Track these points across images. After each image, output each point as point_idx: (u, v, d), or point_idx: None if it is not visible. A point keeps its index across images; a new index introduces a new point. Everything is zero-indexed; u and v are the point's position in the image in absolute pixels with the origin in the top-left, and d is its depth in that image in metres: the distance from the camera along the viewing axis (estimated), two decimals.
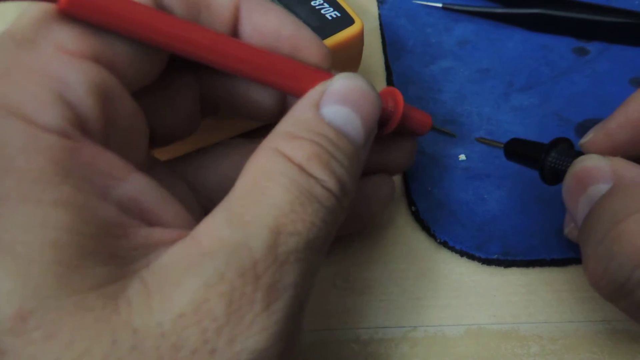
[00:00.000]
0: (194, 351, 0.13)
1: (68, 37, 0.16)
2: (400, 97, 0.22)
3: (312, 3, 0.28)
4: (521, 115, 0.30)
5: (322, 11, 0.28)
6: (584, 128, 0.29)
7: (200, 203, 0.21)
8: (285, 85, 0.19)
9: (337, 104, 0.18)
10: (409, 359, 0.23)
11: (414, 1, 0.36)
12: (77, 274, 0.13)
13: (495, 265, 0.25)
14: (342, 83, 0.18)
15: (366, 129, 0.18)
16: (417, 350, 0.23)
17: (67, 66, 0.15)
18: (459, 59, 0.33)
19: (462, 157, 0.28)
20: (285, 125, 0.17)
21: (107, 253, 0.14)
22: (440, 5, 0.35)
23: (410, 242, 0.26)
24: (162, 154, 0.23)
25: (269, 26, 0.19)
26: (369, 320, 0.24)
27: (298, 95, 0.19)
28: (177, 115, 0.20)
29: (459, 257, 0.25)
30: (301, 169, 0.16)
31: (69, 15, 0.16)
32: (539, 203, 0.26)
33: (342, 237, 0.25)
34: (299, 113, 0.17)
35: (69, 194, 0.14)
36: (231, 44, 0.18)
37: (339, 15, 0.28)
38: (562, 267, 0.25)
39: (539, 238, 0.25)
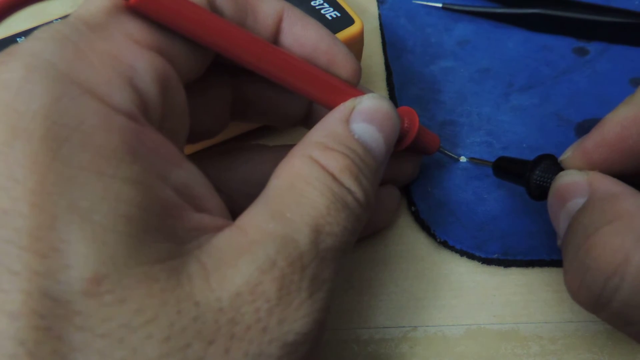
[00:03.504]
0: (249, 327, 0.14)
1: (136, 28, 0.16)
2: (416, 118, 0.23)
3: (312, 3, 0.28)
4: (521, 115, 0.30)
5: (322, 11, 0.28)
6: (584, 128, 0.29)
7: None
8: (319, 97, 0.20)
9: (365, 122, 0.19)
10: (409, 359, 0.23)
11: (414, 1, 0.36)
12: (144, 247, 0.14)
13: (495, 265, 0.25)
14: (370, 103, 0.20)
15: (387, 148, 0.20)
16: (417, 350, 0.23)
17: (136, 54, 0.16)
18: (459, 59, 0.33)
19: (462, 158, 0.28)
20: (318, 135, 0.19)
21: (168, 231, 0.15)
22: (440, 5, 0.35)
23: (410, 242, 0.26)
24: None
25: (308, 38, 0.20)
26: (369, 320, 0.24)
27: (328, 107, 0.20)
28: (211, 114, 0.22)
29: (459, 257, 0.25)
30: (334, 178, 0.17)
31: (134, 11, 0.17)
32: (538, 203, 0.26)
33: None
34: (331, 126, 0.19)
35: (138, 173, 0.15)
36: (276, 51, 0.19)
37: (339, 15, 0.28)
38: (561, 267, 0.25)
39: (538, 238, 0.25)
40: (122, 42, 0.16)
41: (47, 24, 0.16)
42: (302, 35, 0.20)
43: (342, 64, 0.21)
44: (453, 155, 0.28)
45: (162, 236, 0.15)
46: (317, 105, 0.23)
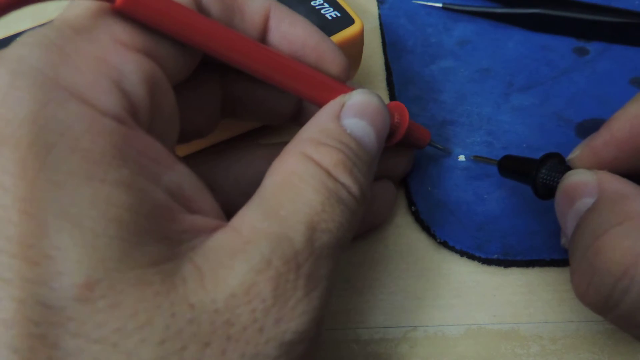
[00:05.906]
0: (245, 328, 0.14)
1: (123, 30, 0.16)
2: (406, 113, 0.23)
3: (312, 3, 0.28)
4: (521, 115, 0.30)
5: (322, 11, 0.28)
6: (584, 128, 0.29)
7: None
8: (309, 94, 0.20)
9: (356, 117, 0.19)
10: (409, 359, 0.23)
11: (414, 1, 0.36)
12: (137, 250, 0.14)
13: (495, 265, 0.25)
14: (360, 98, 0.20)
15: (379, 141, 0.20)
16: (417, 350, 0.23)
17: (123, 57, 0.16)
18: (459, 59, 0.33)
19: (462, 157, 0.28)
20: (310, 132, 0.19)
21: (160, 234, 0.15)
22: (440, 5, 0.35)
23: (410, 242, 0.26)
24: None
25: (296, 36, 0.20)
26: (369, 320, 0.24)
27: (318, 104, 0.20)
28: (201, 114, 0.22)
29: (459, 257, 0.25)
30: (328, 173, 0.17)
31: (121, 14, 0.16)
32: (539, 203, 0.26)
33: None
34: (323, 122, 0.19)
35: (128, 176, 0.14)
36: (263, 50, 0.19)
37: (339, 15, 0.28)
38: (562, 267, 0.25)
39: (539, 238, 0.25)
40: (108, 44, 0.16)
41: (46, 24, 0.16)
42: (290, 33, 0.20)
43: (331, 60, 0.21)
44: (444, 148, 0.28)
45: (155, 239, 0.14)
46: (307, 104, 0.23)
